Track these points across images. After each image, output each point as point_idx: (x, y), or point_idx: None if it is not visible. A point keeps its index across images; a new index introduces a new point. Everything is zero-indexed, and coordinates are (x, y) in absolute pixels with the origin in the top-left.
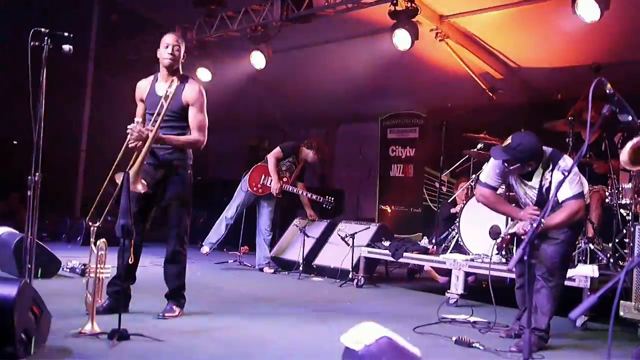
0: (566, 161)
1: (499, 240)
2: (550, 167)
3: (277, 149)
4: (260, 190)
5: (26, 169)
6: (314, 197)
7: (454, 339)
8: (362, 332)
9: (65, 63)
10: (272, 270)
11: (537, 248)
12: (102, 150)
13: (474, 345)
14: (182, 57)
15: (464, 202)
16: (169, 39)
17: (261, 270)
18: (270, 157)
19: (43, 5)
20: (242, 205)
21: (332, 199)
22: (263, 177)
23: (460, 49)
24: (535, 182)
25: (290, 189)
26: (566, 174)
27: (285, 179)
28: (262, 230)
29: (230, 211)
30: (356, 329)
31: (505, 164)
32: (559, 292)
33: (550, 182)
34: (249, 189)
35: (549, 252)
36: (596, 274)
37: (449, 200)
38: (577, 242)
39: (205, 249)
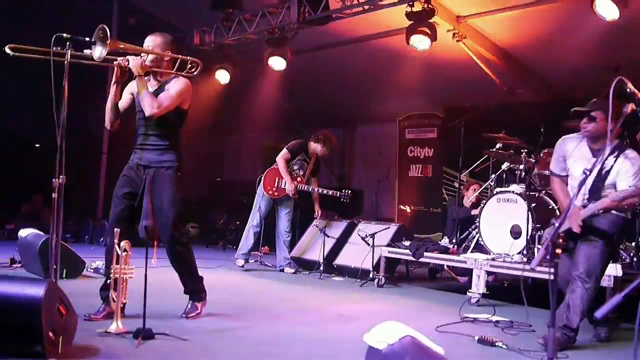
0: (633, 152)
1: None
2: (617, 153)
3: (284, 151)
4: (276, 194)
5: (49, 171)
6: (330, 192)
7: (476, 338)
8: (385, 331)
9: (86, 66)
10: (293, 271)
11: (575, 249)
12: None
13: (496, 344)
14: (164, 57)
15: (474, 204)
16: (145, 41)
17: (282, 270)
18: (279, 160)
19: (63, 11)
20: (264, 211)
21: (349, 191)
22: (277, 180)
23: (478, 49)
24: (596, 160)
25: (305, 188)
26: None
27: (299, 179)
28: (281, 232)
29: (255, 219)
30: (379, 328)
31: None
32: (592, 295)
33: (612, 167)
34: (265, 193)
35: (588, 253)
36: (619, 273)
37: (457, 203)
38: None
39: (240, 262)
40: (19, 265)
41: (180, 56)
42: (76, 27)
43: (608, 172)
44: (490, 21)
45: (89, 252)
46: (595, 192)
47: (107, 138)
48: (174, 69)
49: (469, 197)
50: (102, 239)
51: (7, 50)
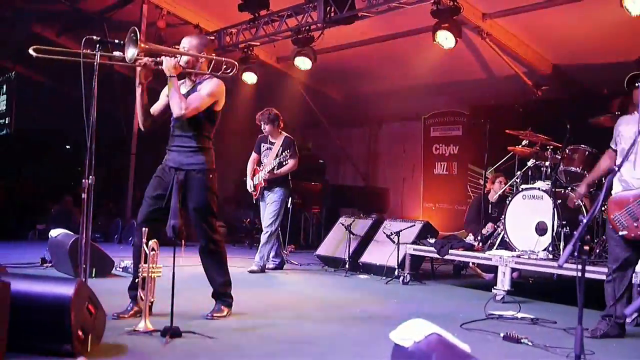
0: None
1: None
2: None
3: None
4: (256, 192)
5: (79, 172)
6: (270, 166)
7: (502, 335)
8: (411, 329)
9: (115, 69)
10: (253, 268)
11: None
12: (151, 153)
13: (522, 341)
14: (199, 58)
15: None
16: (181, 43)
17: (262, 270)
18: (249, 163)
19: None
20: (262, 217)
21: (287, 152)
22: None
23: (503, 47)
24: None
25: (258, 177)
26: None
27: (259, 168)
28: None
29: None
30: (405, 325)
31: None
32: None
33: None
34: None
35: None
36: None
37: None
38: None
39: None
40: (50, 264)
41: (215, 57)
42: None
43: None
44: (515, 19)
45: (118, 251)
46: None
47: (135, 139)
48: (209, 70)
49: (496, 190)
50: (130, 238)
51: (31, 51)
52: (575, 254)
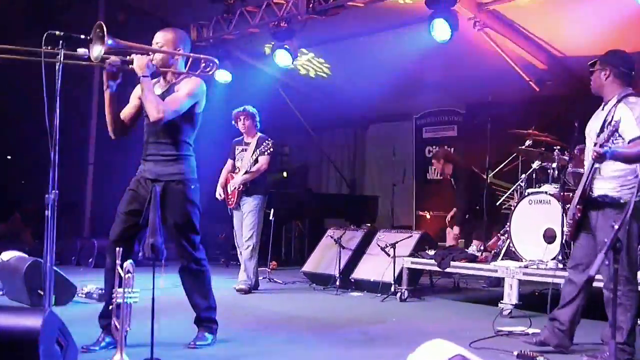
0: (636, 98)
1: None
2: (619, 102)
3: None
4: (232, 200)
5: (25, 186)
6: (252, 159)
7: (515, 353)
8: (432, 351)
9: (69, 69)
10: (241, 287)
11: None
12: (112, 163)
13: (537, 359)
14: (174, 55)
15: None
16: (154, 38)
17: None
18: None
19: (46, 6)
20: (237, 230)
21: (270, 140)
22: (228, 186)
23: (501, 39)
24: (603, 113)
25: (233, 183)
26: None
27: (237, 170)
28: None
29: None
30: (424, 348)
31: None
32: None
33: (613, 117)
34: (229, 207)
35: None
36: None
37: None
38: None
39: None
40: (1, 292)
41: (193, 54)
42: (60, 25)
43: (610, 123)
44: (513, 8)
45: (78, 274)
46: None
47: (93, 146)
48: (186, 68)
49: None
50: (90, 259)
51: None
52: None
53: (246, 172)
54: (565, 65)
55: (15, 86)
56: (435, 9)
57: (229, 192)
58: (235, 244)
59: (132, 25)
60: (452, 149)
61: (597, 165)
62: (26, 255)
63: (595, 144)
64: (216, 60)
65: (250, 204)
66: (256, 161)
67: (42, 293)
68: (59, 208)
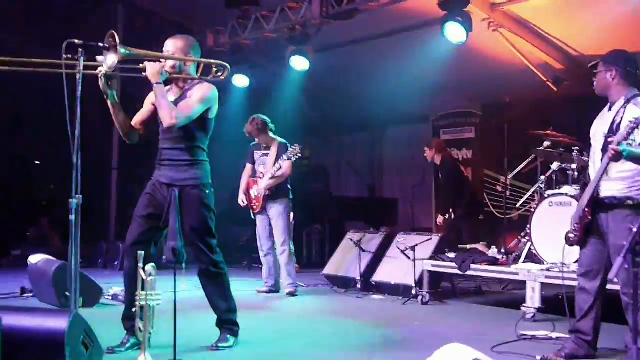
0: None
1: None
2: (626, 103)
3: None
4: (257, 204)
5: (53, 191)
6: (278, 164)
7: (538, 358)
8: (449, 354)
9: (91, 76)
10: (288, 291)
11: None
12: (136, 167)
13: None
14: (186, 62)
15: None
16: (165, 45)
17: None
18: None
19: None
20: (261, 231)
21: (298, 146)
22: (250, 192)
23: (516, 39)
24: (610, 114)
25: (257, 188)
26: None
27: (260, 176)
28: (276, 246)
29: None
30: (442, 352)
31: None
32: None
33: (622, 119)
34: (253, 212)
35: None
36: None
37: None
38: None
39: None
40: (31, 294)
41: (204, 60)
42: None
43: (619, 124)
44: (528, 7)
45: (105, 277)
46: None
47: (117, 151)
48: (198, 74)
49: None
50: (116, 262)
51: None
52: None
53: (272, 177)
54: (583, 64)
55: (44, 92)
56: (449, 10)
57: (253, 196)
58: (259, 247)
59: (151, 32)
60: (471, 151)
61: (611, 164)
62: (54, 259)
63: (606, 141)
64: (227, 65)
65: (277, 209)
66: (280, 166)
67: (69, 295)
68: (85, 212)
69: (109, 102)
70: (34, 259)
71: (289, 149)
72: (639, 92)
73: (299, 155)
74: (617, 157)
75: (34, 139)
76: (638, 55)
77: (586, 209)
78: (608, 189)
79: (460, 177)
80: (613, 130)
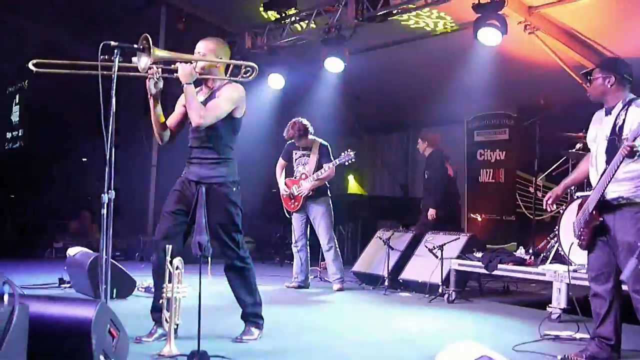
0: None
1: None
2: (627, 106)
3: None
4: (296, 203)
5: (97, 186)
6: (330, 165)
7: (559, 357)
8: (460, 351)
9: (133, 75)
10: (337, 287)
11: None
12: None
13: None
14: (216, 63)
15: None
16: (196, 47)
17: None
18: (276, 170)
19: (110, 18)
20: (298, 228)
21: (350, 150)
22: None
23: (552, 42)
24: (610, 118)
25: (299, 188)
26: None
27: (304, 175)
28: (322, 244)
29: (294, 240)
30: (452, 348)
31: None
32: None
33: (624, 120)
34: (289, 210)
35: None
36: None
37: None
38: None
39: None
40: (68, 285)
41: (233, 61)
42: (124, 35)
43: (622, 126)
44: (565, 10)
45: (140, 270)
46: (614, 151)
47: (156, 150)
48: (228, 75)
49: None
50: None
51: (30, 66)
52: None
53: (317, 179)
54: None
55: (89, 93)
56: (483, 14)
57: (295, 194)
58: (293, 243)
59: (191, 33)
60: (504, 152)
61: (624, 163)
62: (90, 251)
63: (610, 143)
64: (255, 66)
65: (319, 208)
66: (320, 167)
67: (106, 287)
68: (125, 208)
69: (151, 102)
70: (72, 251)
71: (343, 153)
72: (634, 96)
73: (352, 160)
74: (632, 153)
75: (81, 135)
76: None
77: (594, 212)
78: (614, 191)
79: (445, 173)
80: (616, 132)
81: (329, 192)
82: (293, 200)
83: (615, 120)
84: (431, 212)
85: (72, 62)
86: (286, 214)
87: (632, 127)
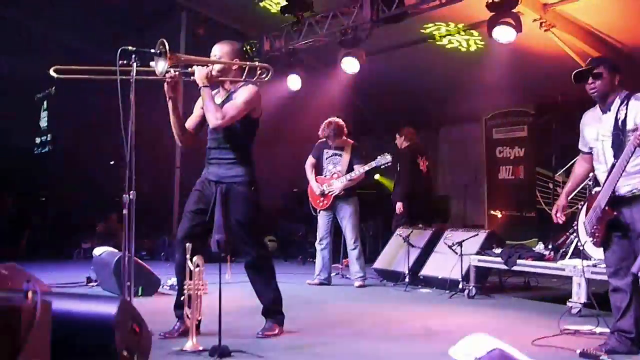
0: None
1: None
2: (625, 101)
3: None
4: (325, 202)
5: (123, 188)
6: (365, 167)
7: (578, 351)
8: (472, 344)
9: (155, 81)
10: (358, 284)
11: None
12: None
13: (601, 358)
14: (232, 65)
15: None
16: (212, 50)
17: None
18: (306, 168)
19: (133, 24)
20: (323, 226)
21: (387, 154)
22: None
23: (569, 38)
24: (609, 115)
25: (343, 179)
26: None
27: (335, 175)
28: (347, 243)
29: (318, 237)
30: (465, 341)
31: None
32: None
33: (626, 114)
34: (316, 207)
35: None
36: None
37: None
38: None
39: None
40: (95, 283)
41: (248, 63)
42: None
43: (624, 120)
44: (581, 7)
45: (165, 269)
46: (620, 146)
47: (179, 151)
48: (243, 76)
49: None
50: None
51: (52, 72)
52: None
53: (350, 180)
54: (635, 62)
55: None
56: (497, 12)
57: (326, 193)
58: (317, 241)
59: (211, 37)
60: (523, 149)
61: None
62: (116, 250)
63: (615, 137)
64: (270, 67)
65: (348, 208)
66: (351, 167)
67: (128, 284)
68: (149, 208)
69: (169, 105)
70: (98, 251)
71: (379, 156)
72: (627, 91)
73: (389, 164)
74: None
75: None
76: None
77: (607, 208)
78: (626, 184)
79: (414, 167)
80: (619, 127)
81: (356, 194)
82: (322, 199)
83: (616, 115)
84: (398, 205)
85: (92, 68)
86: (312, 211)
87: (637, 120)
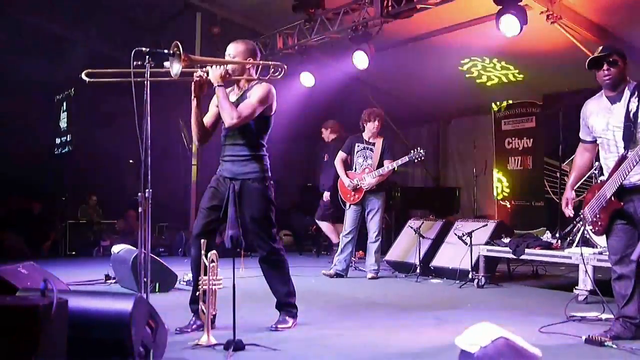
0: None
1: None
2: (637, 94)
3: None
4: (356, 196)
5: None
6: (399, 162)
7: (583, 338)
8: (478, 333)
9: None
10: (370, 276)
11: None
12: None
13: (606, 344)
14: (246, 64)
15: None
16: (227, 50)
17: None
18: (336, 162)
19: (149, 24)
20: (350, 220)
21: (420, 148)
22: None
23: (575, 30)
24: (620, 106)
25: (374, 174)
26: None
27: (367, 170)
28: (369, 236)
29: (345, 230)
30: (471, 330)
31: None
32: None
33: (638, 106)
34: (346, 201)
35: None
36: None
37: None
38: None
39: (328, 271)
40: (114, 281)
41: (262, 61)
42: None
43: (636, 113)
44: None
45: (183, 264)
46: (631, 137)
47: (197, 149)
48: (257, 75)
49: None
50: None
51: (83, 77)
52: None
53: (381, 175)
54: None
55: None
56: (503, 5)
57: (359, 187)
58: (344, 233)
59: (226, 36)
60: (531, 140)
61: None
62: (134, 248)
63: (627, 129)
64: (284, 65)
65: (376, 202)
66: (382, 162)
67: (146, 280)
68: (168, 205)
69: (193, 104)
70: (116, 248)
71: (412, 151)
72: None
73: (422, 158)
74: None
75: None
76: None
77: (612, 198)
78: (634, 174)
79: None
80: (630, 118)
81: (385, 188)
82: (354, 193)
83: (628, 107)
84: (325, 195)
85: (120, 70)
86: (342, 205)
87: None
